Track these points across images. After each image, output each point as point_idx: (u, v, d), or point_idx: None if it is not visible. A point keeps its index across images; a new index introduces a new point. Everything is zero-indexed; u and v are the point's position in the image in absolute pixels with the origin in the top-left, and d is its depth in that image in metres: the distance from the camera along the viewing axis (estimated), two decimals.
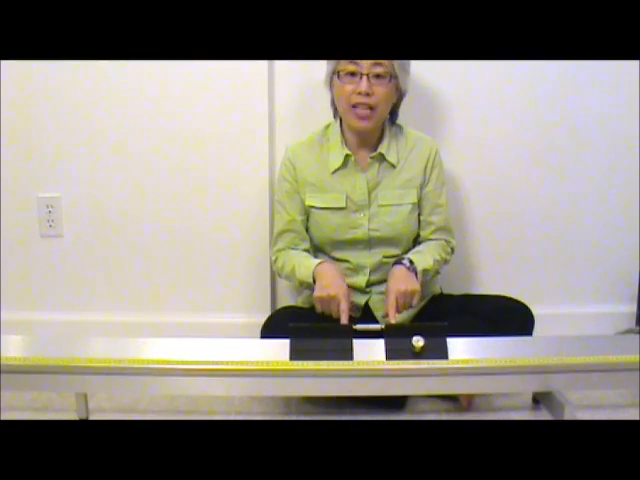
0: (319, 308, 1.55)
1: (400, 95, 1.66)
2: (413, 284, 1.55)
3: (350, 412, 1.59)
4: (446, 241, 1.73)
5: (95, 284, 1.99)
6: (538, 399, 1.62)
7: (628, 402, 1.62)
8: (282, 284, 2.00)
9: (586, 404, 1.61)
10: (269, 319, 1.69)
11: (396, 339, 1.43)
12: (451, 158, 1.91)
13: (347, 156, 1.65)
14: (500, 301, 1.71)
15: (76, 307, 2.00)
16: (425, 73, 1.85)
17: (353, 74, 1.56)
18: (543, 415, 1.58)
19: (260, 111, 1.87)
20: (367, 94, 1.56)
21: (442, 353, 1.42)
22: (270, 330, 1.61)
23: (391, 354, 1.42)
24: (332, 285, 1.54)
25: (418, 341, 1.40)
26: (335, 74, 1.60)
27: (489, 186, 1.95)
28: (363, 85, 1.55)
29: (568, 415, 1.47)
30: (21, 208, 1.95)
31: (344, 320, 1.50)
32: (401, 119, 1.73)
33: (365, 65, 1.54)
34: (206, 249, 1.95)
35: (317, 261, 1.63)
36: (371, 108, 1.58)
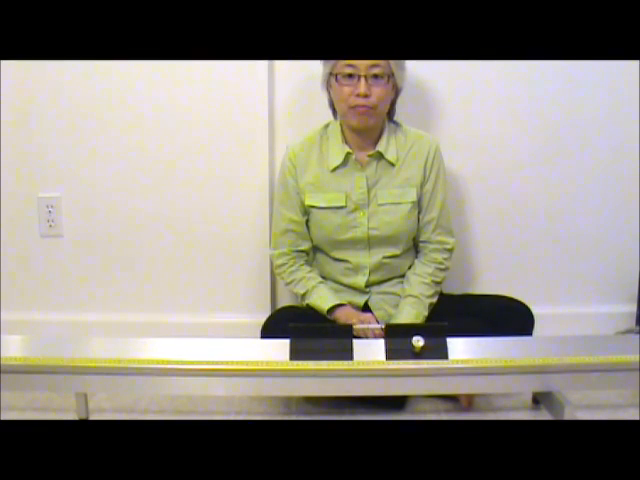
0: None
1: (397, 92, 1.66)
2: None
3: (350, 412, 1.59)
4: (449, 250, 1.71)
5: (95, 284, 1.99)
6: (538, 399, 1.62)
7: (628, 402, 1.62)
8: (282, 284, 2.00)
9: (586, 404, 1.61)
10: (269, 319, 1.69)
11: (396, 339, 1.43)
12: (451, 158, 1.91)
13: (348, 154, 1.65)
14: (500, 301, 1.71)
15: (76, 307, 1.99)
16: (427, 71, 1.86)
17: (351, 76, 1.56)
18: (543, 415, 1.58)
19: (260, 111, 1.86)
20: (365, 95, 1.55)
21: (442, 353, 1.42)
22: (270, 330, 1.61)
23: (391, 354, 1.42)
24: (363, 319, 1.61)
25: (418, 341, 1.40)
26: (332, 76, 1.59)
27: (489, 186, 1.95)
28: (361, 87, 1.54)
29: (568, 415, 1.46)
30: (21, 208, 1.95)
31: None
32: (402, 117, 1.73)
33: (362, 67, 1.54)
34: (206, 249, 1.95)
35: (332, 302, 1.64)
36: (370, 108, 1.58)
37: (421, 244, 1.73)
